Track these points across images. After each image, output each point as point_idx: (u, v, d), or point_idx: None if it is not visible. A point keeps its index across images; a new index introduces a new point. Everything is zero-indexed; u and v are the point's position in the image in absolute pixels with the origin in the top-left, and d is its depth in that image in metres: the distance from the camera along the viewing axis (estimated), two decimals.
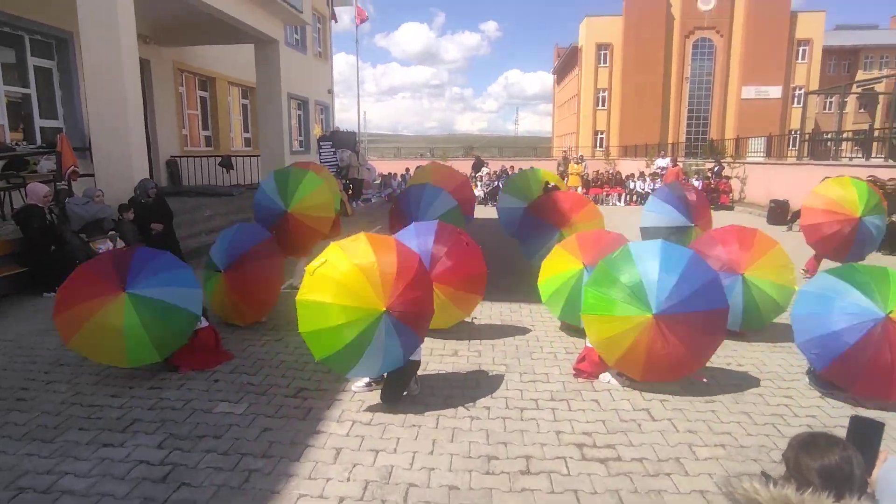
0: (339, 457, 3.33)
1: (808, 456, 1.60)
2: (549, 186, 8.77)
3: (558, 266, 5.46)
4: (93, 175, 8.59)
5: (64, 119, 10.74)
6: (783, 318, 5.43)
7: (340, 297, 3.64)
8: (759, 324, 5.35)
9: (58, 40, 10.45)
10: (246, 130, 18.47)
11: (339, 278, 3.67)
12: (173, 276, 4.56)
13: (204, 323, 4.86)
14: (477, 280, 5.46)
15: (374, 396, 4.09)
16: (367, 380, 4.26)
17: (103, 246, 7.01)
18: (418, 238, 5.21)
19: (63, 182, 8.20)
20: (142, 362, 4.35)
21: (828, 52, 41.97)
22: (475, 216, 9.62)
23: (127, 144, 8.27)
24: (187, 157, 14.28)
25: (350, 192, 15.87)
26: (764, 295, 5.21)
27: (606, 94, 42.79)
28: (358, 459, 3.30)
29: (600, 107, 43.10)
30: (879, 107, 29.29)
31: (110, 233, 7.29)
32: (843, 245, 7.09)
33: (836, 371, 4.00)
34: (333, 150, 17.18)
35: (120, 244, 7.10)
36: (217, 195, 12.21)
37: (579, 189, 18.66)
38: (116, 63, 8.06)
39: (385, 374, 4.06)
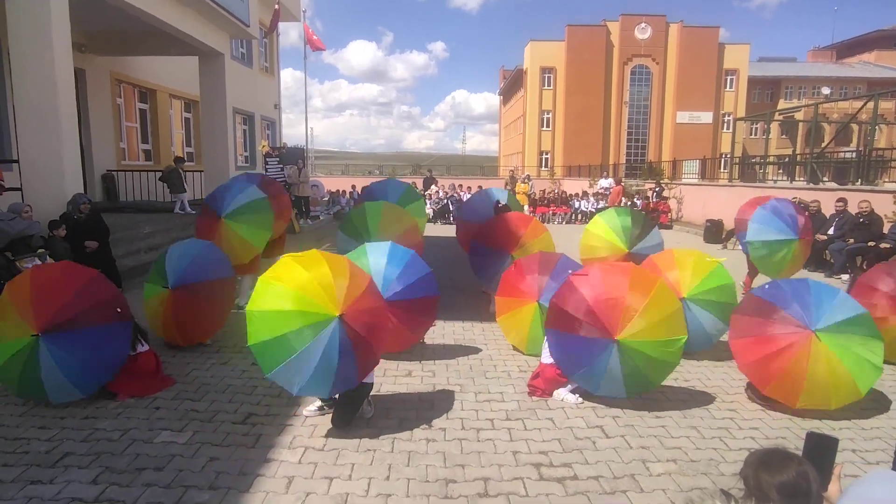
0: (292, 486, 3.20)
1: (766, 472, 1.64)
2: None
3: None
4: (20, 189, 8.06)
5: None
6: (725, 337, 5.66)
7: (294, 304, 3.54)
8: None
9: None
10: (188, 144, 17.86)
11: (293, 286, 3.59)
12: (95, 355, 4.17)
13: (144, 347, 4.61)
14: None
15: (327, 421, 3.97)
16: (318, 403, 4.14)
17: (30, 265, 6.54)
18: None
19: None
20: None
21: (752, 81, 44.98)
22: (426, 234, 9.59)
23: (59, 157, 7.83)
24: (125, 171, 13.65)
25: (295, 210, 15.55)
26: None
27: (551, 115, 44.04)
28: (311, 488, 3.18)
29: (545, 128, 44.29)
30: (799, 133, 31.47)
31: (39, 251, 6.82)
32: None
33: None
34: (280, 166, 16.84)
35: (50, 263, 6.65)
36: (157, 211, 11.70)
37: (525, 208, 19.00)
38: (49, 71, 7.65)
39: (337, 397, 3.96)
